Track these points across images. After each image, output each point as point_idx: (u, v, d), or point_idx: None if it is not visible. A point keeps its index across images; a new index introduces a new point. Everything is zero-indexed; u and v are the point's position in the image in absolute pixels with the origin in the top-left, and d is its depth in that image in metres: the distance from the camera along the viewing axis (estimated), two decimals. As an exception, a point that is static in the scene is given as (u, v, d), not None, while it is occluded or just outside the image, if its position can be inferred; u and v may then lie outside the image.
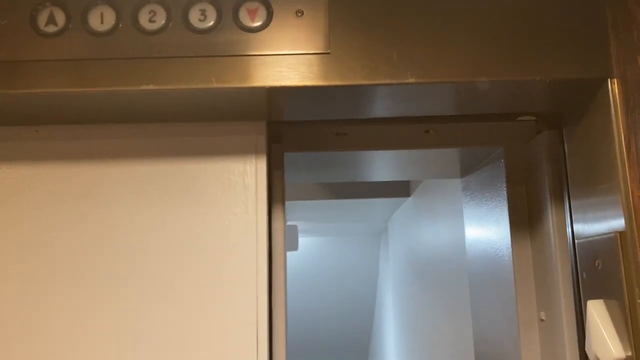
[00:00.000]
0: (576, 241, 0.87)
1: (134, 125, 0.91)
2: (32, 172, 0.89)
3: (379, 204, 3.11)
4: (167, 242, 0.87)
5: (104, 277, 0.86)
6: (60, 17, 0.79)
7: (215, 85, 0.77)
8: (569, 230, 0.91)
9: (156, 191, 0.89)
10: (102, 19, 0.79)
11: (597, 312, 0.76)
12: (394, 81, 0.76)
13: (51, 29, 0.79)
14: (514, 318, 1.02)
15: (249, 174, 0.89)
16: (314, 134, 1.05)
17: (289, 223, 3.64)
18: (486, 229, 1.18)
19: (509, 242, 1.04)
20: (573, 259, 0.89)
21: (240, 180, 0.89)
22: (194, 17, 0.78)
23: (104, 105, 0.85)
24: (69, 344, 0.85)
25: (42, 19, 0.79)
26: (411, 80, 0.76)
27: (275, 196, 0.97)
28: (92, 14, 0.79)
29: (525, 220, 1.05)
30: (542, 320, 0.98)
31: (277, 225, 0.97)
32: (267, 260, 0.88)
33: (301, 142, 1.05)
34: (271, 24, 0.78)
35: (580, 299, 0.87)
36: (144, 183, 0.89)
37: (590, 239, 0.82)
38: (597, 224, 0.81)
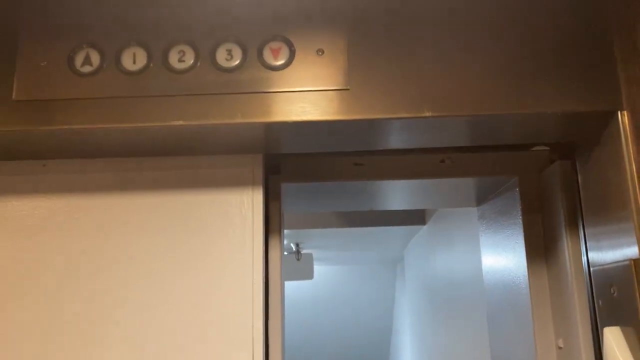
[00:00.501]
0: (591, 269, 0.89)
1: (137, 159, 0.95)
2: (40, 204, 0.94)
3: (395, 233, 3.12)
4: (164, 270, 0.91)
5: (105, 302, 0.90)
6: (96, 58, 0.84)
7: (240, 120, 0.81)
8: (584, 258, 0.92)
9: (156, 222, 0.93)
10: (134, 59, 0.83)
11: (613, 338, 0.77)
12: (410, 115, 0.80)
13: (87, 69, 0.84)
14: (532, 346, 1.02)
15: (245, 206, 0.93)
16: (330, 165, 1.09)
17: (304, 251, 3.65)
18: (503, 257, 1.20)
19: (526, 270, 1.05)
20: (589, 286, 0.90)
21: (237, 212, 0.93)
22: (221, 56, 0.83)
23: (131, 140, 0.89)
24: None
25: (79, 59, 0.84)
26: (427, 114, 0.79)
27: (272, 226, 1.00)
28: (125, 55, 0.84)
29: (541, 248, 1.06)
30: (559, 347, 0.99)
31: (274, 254, 1.00)
32: (263, 290, 0.91)
33: (316, 172, 1.09)
34: (293, 62, 0.82)
35: (597, 326, 0.88)
36: (146, 214, 0.93)
37: (605, 266, 0.83)
38: (611, 251, 0.82)
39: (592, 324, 0.90)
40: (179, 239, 0.92)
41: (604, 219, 0.85)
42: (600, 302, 0.85)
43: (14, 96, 0.83)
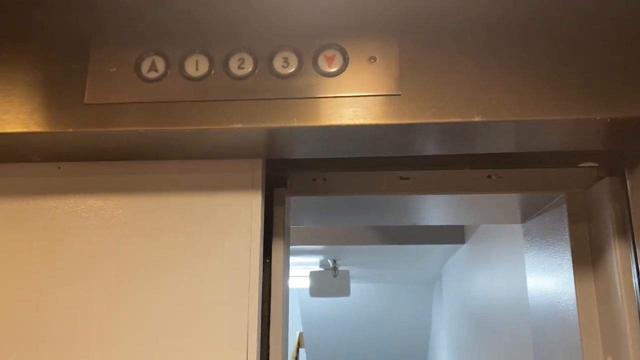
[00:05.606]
0: (641, 278, 0.88)
1: (152, 163, 0.98)
2: (55, 205, 0.97)
3: (433, 251, 3.11)
4: (161, 271, 0.93)
5: (107, 300, 0.93)
6: (161, 65, 0.89)
7: (296, 124, 0.84)
8: (633, 268, 0.91)
9: (158, 224, 0.95)
10: (197, 66, 0.89)
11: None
12: (460, 120, 0.82)
13: (152, 74, 0.89)
14: (580, 365, 1.00)
15: (245, 211, 0.94)
16: (376, 178, 1.10)
17: (341, 268, 3.66)
18: (549, 274, 1.17)
19: (573, 286, 1.03)
20: (639, 297, 0.89)
21: (237, 217, 0.94)
22: (278, 64, 0.87)
23: (188, 143, 0.93)
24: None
25: (146, 66, 0.89)
26: (477, 119, 0.81)
27: (276, 238, 1.02)
28: (188, 62, 0.89)
29: (589, 263, 1.04)
30: (609, 366, 0.97)
31: (277, 268, 1.00)
32: (259, 294, 0.92)
33: (362, 185, 1.10)
34: (347, 69, 0.86)
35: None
36: (151, 216, 0.96)
37: (656, 274, 0.83)
38: (662, 260, 0.82)
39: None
40: (179, 241, 0.94)
41: (655, 228, 0.84)
42: (651, 310, 0.84)
43: (85, 100, 0.88)
